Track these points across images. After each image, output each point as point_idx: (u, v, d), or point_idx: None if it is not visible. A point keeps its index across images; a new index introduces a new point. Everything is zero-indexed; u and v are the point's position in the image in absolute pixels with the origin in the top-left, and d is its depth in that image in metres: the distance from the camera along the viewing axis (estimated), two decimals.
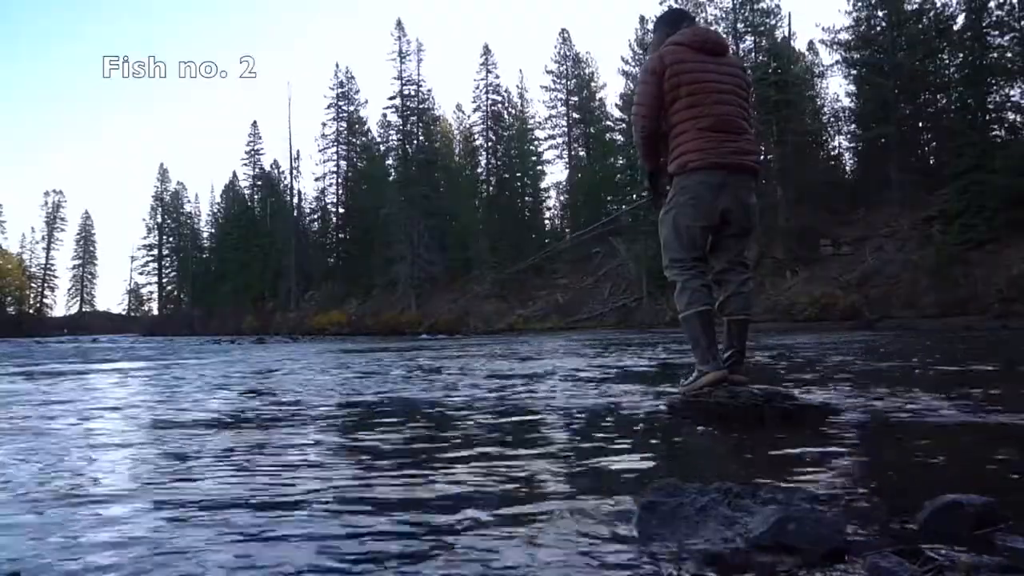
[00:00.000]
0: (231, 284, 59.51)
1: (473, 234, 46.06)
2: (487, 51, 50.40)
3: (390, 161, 52.44)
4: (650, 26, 43.03)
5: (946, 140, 31.92)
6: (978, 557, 1.17)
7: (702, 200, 3.19)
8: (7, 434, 2.98)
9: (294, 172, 57.49)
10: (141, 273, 79.68)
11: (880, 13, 34.56)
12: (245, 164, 66.96)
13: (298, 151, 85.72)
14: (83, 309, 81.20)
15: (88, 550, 1.37)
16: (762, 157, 35.29)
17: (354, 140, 56.74)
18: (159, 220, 77.04)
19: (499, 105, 51.21)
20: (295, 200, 57.87)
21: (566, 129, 51.76)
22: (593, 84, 51.73)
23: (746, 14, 39.50)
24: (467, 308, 41.69)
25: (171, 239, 77.20)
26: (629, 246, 36.98)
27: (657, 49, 3.38)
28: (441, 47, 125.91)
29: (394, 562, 1.28)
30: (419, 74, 49.49)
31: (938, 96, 34.47)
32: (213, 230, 72.73)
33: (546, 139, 52.30)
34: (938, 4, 33.37)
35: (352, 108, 56.49)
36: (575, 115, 51.25)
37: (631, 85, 39.09)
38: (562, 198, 53.57)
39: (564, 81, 51.51)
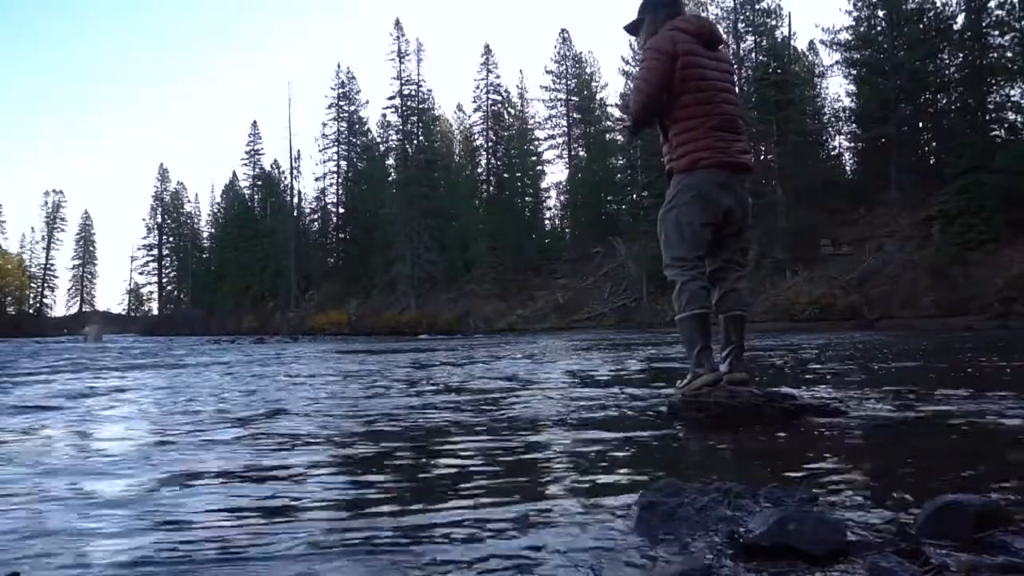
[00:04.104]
0: (231, 284, 59.49)
1: (473, 234, 46.05)
2: (488, 51, 50.42)
3: (390, 161, 52.44)
4: None
5: (946, 140, 31.93)
6: (978, 557, 1.17)
7: (708, 198, 3.19)
8: None
9: (294, 172, 57.53)
10: (141, 273, 79.79)
11: (880, 13, 34.55)
12: (245, 164, 67.06)
13: (298, 151, 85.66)
14: (83, 309, 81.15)
15: None
16: (762, 157, 35.34)
17: (354, 140, 56.72)
18: (159, 220, 77.06)
19: (499, 105, 51.22)
20: (295, 200, 57.93)
21: (566, 129, 51.77)
22: (593, 84, 51.77)
23: (746, 14, 39.51)
24: (467, 308, 41.69)
25: (171, 239, 77.19)
26: (629, 246, 36.98)
27: (654, 27, 3.34)
28: (441, 47, 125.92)
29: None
30: (419, 74, 49.52)
31: (938, 96, 34.45)
32: (213, 230, 72.73)
33: (546, 139, 52.37)
34: (938, 4, 33.40)
35: (353, 108, 56.52)
36: (575, 115, 51.25)
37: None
38: (562, 198, 53.62)
39: (564, 81, 51.52)
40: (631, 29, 3.55)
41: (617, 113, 44.72)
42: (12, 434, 3.00)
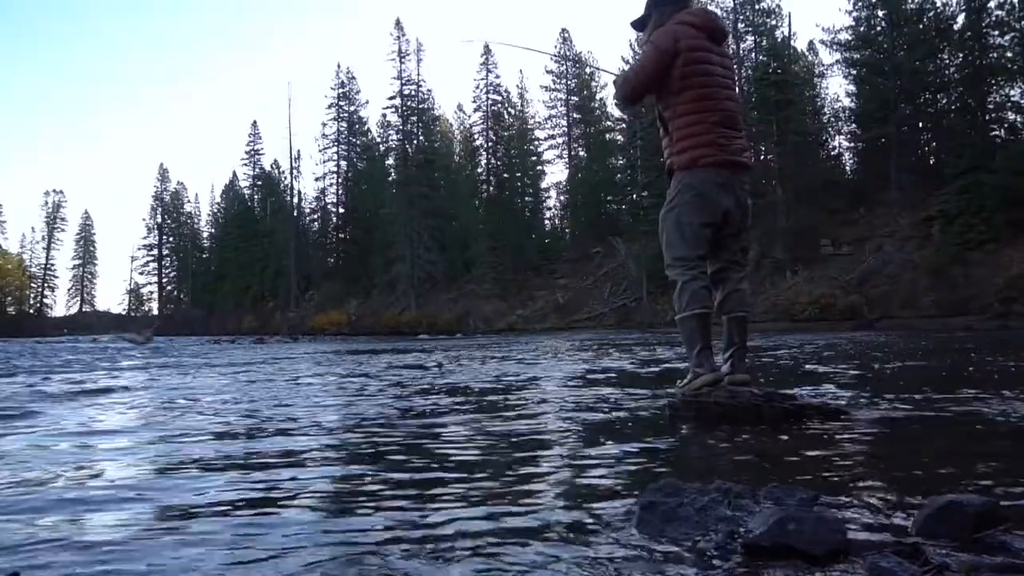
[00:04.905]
0: (231, 284, 59.50)
1: (473, 234, 46.07)
2: (487, 51, 50.41)
3: (390, 161, 52.46)
4: None
5: (946, 140, 31.93)
6: (978, 557, 1.17)
7: (708, 199, 3.18)
8: None
9: (294, 172, 57.55)
10: (141, 273, 79.71)
11: (880, 13, 34.57)
12: (245, 164, 67.10)
13: (298, 151, 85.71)
14: (83, 309, 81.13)
15: None
16: (762, 157, 35.35)
17: (354, 140, 56.73)
18: (159, 220, 77.02)
19: (499, 105, 51.24)
20: (295, 200, 57.94)
21: (566, 129, 51.79)
22: (593, 84, 51.77)
23: (746, 14, 39.52)
24: (467, 308, 41.69)
25: (171, 239, 77.17)
26: (629, 246, 36.98)
27: (661, 22, 3.31)
28: (441, 47, 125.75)
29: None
30: (419, 74, 49.56)
31: (938, 96, 34.47)
32: (213, 230, 72.73)
33: (546, 139, 52.40)
34: (938, 4, 33.42)
35: (353, 108, 56.54)
36: (575, 115, 51.26)
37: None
38: (562, 198, 53.64)
39: (564, 81, 51.54)
40: (638, 25, 3.52)
41: (617, 113, 44.80)
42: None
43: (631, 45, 44.16)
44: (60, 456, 2.48)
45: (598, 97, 51.53)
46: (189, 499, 1.81)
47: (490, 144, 50.45)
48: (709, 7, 38.19)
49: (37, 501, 1.80)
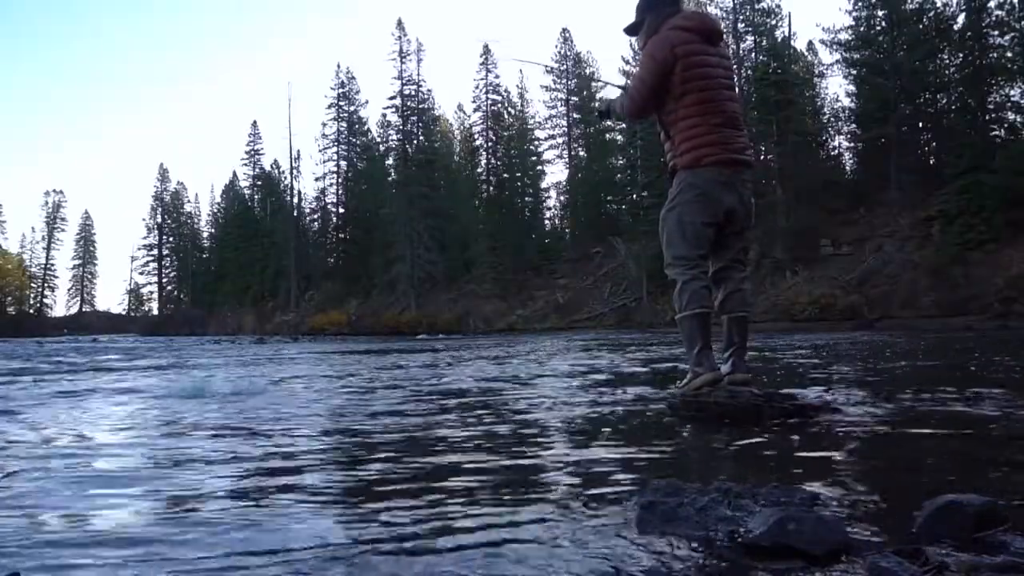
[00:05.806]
0: (231, 284, 59.46)
1: (473, 234, 46.06)
2: (487, 51, 50.40)
3: (390, 161, 52.43)
4: None
5: (946, 140, 31.92)
6: (978, 557, 1.16)
7: (710, 197, 3.18)
8: None
9: (294, 172, 57.50)
10: (141, 273, 79.69)
11: (880, 13, 34.55)
12: (245, 164, 67.03)
13: (298, 151, 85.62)
14: (83, 309, 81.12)
15: None
16: (762, 157, 35.34)
17: (354, 140, 56.71)
18: (159, 220, 76.97)
19: (499, 105, 51.22)
20: (295, 200, 57.90)
21: (566, 129, 51.77)
22: (594, 84, 51.73)
23: (746, 14, 39.50)
24: (467, 308, 41.69)
25: (171, 239, 77.13)
26: (629, 246, 36.98)
27: (655, 27, 3.30)
28: (441, 47, 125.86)
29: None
30: (419, 74, 49.50)
31: (938, 96, 34.45)
32: (213, 230, 72.71)
33: (546, 139, 52.37)
34: (938, 4, 33.41)
35: (353, 108, 56.51)
36: (575, 115, 51.24)
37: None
38: (562, 198, 53.63)
39: (564, 81, 51.51)
40: (631, 31, 3.51)
41: (617, 111, 44.70)
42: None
43: (631, 45, 44.19)
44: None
45: (598, 97, 51.42)
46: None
47: (490, 144, 50.43)
48: (705, 8, 38.27)
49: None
